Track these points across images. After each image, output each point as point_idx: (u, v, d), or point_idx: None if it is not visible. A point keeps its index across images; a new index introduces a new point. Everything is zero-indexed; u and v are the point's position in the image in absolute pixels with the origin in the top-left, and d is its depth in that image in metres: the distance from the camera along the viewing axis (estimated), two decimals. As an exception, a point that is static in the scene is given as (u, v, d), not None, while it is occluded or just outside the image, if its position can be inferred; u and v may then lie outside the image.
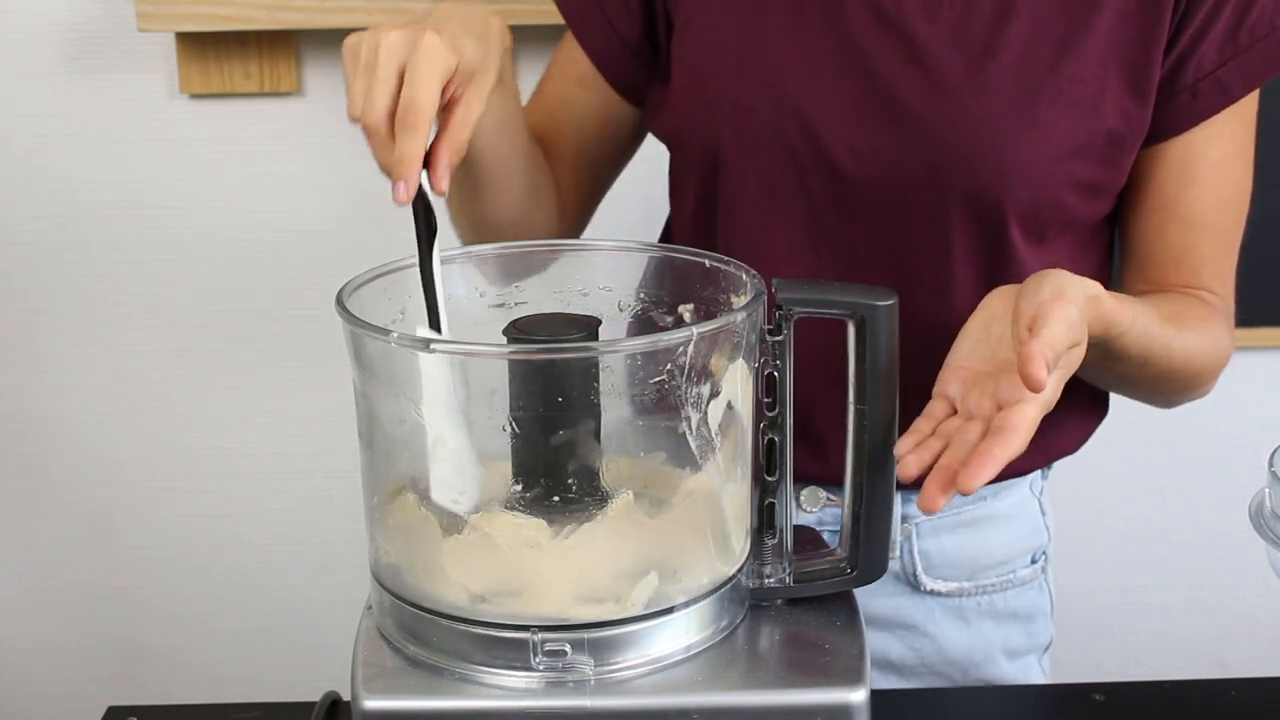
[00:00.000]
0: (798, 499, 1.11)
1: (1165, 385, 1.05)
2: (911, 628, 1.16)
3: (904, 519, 1.14)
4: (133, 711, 1.04)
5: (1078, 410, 1.13)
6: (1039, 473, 1.19)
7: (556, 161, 1.15)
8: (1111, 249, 1.12)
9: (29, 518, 1.98)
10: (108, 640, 2.03)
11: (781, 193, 1.05)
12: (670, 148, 1.14)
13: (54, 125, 1.80)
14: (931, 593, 1.16)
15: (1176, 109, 1.03)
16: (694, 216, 1.11)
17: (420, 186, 0.83)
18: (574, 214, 1.19)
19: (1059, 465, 1.19)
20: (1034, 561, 1.20)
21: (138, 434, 1.93)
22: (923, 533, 1.15)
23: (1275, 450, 0.88)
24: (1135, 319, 0.92)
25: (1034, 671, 1.22)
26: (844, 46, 1.02)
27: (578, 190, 1.18)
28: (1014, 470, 1.14)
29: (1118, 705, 1.06)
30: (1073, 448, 1.15)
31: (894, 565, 1.15)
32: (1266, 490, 0.88)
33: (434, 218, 0.84)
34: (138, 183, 1.83)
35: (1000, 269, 1.04)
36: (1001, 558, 1.17)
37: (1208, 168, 1.05)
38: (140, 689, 2.01)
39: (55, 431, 1.94)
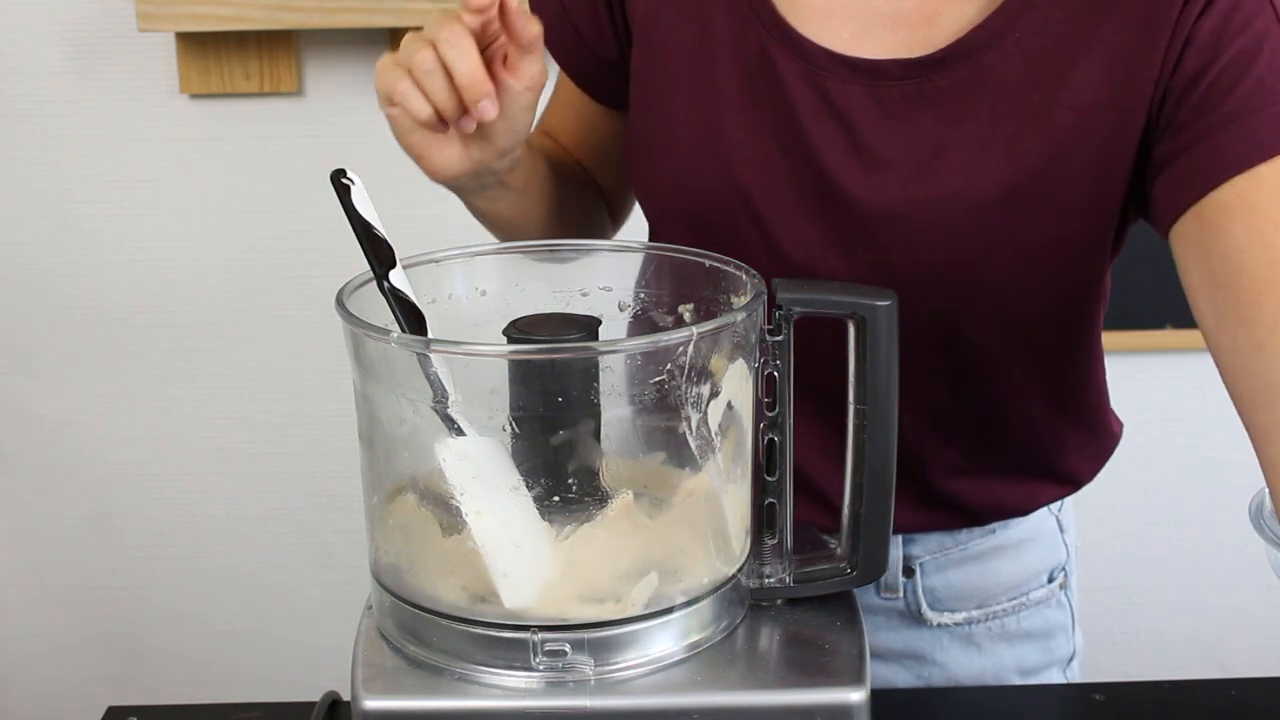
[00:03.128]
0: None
1: None
2: (919, 657, 1.14)
3: (906, 558, 1.11)
4: (133, 711, 1.04)
5: (1079, 452, 1.11)
6: None
7: (598, 170, 1.15)
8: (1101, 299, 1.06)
9: (29, 518, 1.98)
10: (108, 640, 2.03)
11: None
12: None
13: (54, 125, 1.81)
14: (939, 625, 1.13)
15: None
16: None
17: (368, 223, 0.82)
18: (618, 212, 1.20)
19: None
20: (1051, 580, 1.16)
21: (138, 434, 1.93)
22: (927, 570, 1.12)
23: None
24: None
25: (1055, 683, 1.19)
26: (791, 135, 0.98)
27: (619, 188, 1.18)
28: (1017, 510, 1.11)
29: (1118, 705, 1.06)
30: (1084, 481, 1.13)
31: (898, 603, 1.12)
32: (1266, 490, 0.88)
33: (382, 243, 0.83)
34: (138, 183, 1.83)
35: (962, 355, 1.02)
36: (1014, 582, 1.14)
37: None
38: (140, 689, 2.01)
39: (55, 431, 1.94)
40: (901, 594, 1.12)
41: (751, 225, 1.00)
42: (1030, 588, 1.15)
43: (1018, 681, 1.16)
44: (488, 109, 0.90)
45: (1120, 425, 1.14)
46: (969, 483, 1.08)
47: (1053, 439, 1.09)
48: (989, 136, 0.94)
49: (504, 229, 1.08)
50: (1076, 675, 1.21)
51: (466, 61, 0.88)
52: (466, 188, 1.00)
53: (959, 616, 1.13)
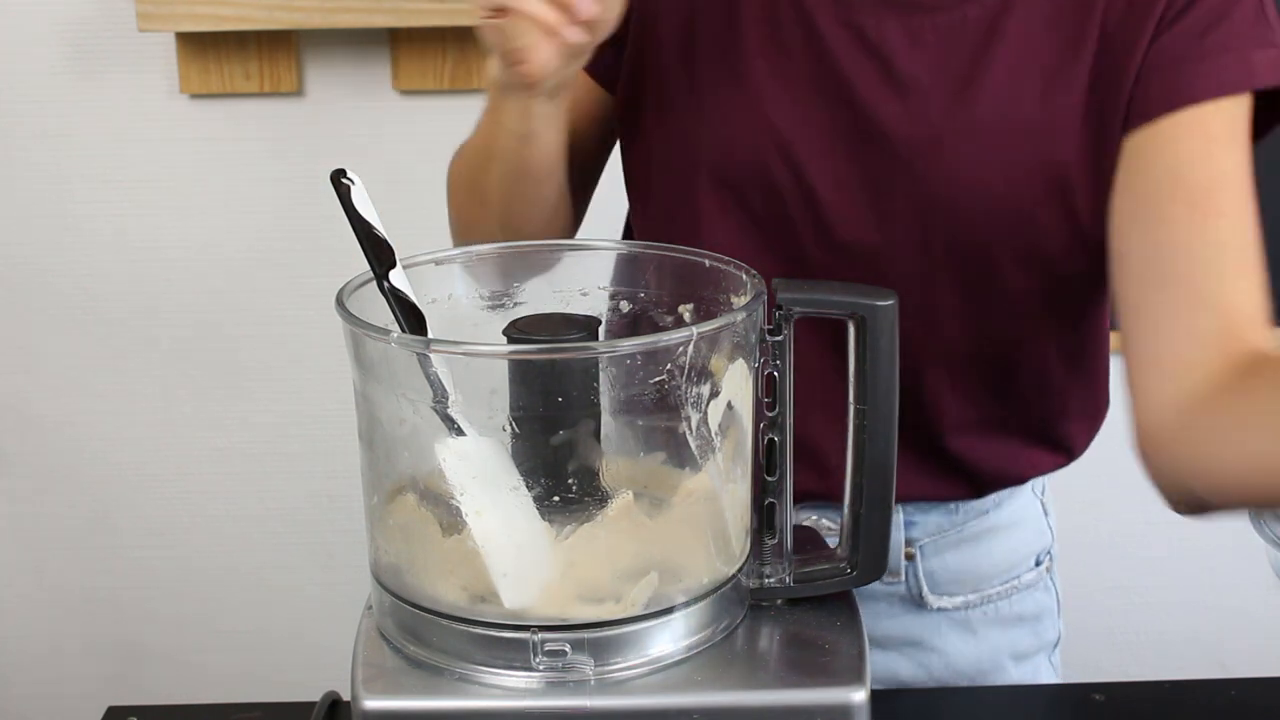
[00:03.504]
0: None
1: None
2: (919, 644, 1.16)
3: (907, 542, 1.13)
4: (133, 711, 1.04)
5: (1078, 415, 1.12)
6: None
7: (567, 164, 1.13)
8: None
9: (29, 518, 1.98)
10: (108, 640, 2.03)
11: (761, 219, 1.03)
12: (629, 153, 1.11)
13: (54, 125, 1.81)
14: (938, 609, 1.15)
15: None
16: (662, 227, 1.08)
17: (368, 223, 0.82)
18: (579, 209, 1.18)
19: (1060, 464, 1.19)
20: (1038, 564, 1.19)
21: (138, 434, 1.93)
22: (927, 553, 1.14)
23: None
24: None
25: (1043, 670, 1.21)
26: (824, 72, 1.00)
27: (582, 183, 1.16)
28: (1017, 477, 1.14)
29: (1118, 705, 1.06)
30: (1078, 452, 1.14)
31: (899, 588, 1.14)
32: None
33: (382, 243, 0.82)
34: (138, 183, 1.83)
35: (986, 295, 1.03)
36: (1006, 565, 1.17)
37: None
38: (140, 689, 2.02)
39: (55, 431, 1.94)
40: (903, 578, 1.14)
41: (783, 165, 1.01)
42: (1020, 571, 1.18)
43: (1011, 667, 1.18)
44: None
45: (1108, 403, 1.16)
46: (976, 443, 1.10)
47: (1058, 397, 1.10)
48: (1022, 65, 0.97)
49: (520, 164, 1.03)
50: (1059, 662, 1.24)
51: None
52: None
53: (957, 600, 1.15)
